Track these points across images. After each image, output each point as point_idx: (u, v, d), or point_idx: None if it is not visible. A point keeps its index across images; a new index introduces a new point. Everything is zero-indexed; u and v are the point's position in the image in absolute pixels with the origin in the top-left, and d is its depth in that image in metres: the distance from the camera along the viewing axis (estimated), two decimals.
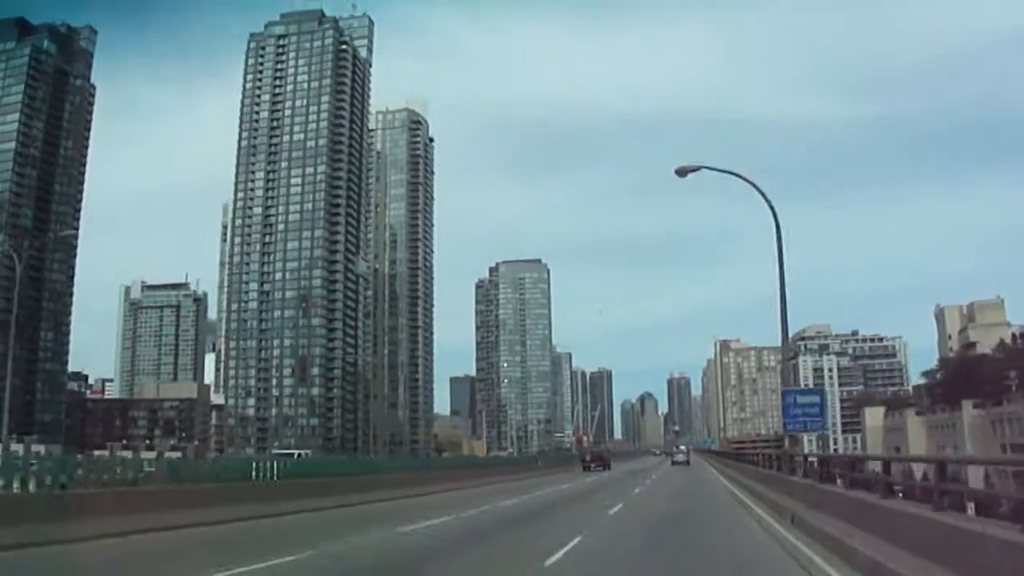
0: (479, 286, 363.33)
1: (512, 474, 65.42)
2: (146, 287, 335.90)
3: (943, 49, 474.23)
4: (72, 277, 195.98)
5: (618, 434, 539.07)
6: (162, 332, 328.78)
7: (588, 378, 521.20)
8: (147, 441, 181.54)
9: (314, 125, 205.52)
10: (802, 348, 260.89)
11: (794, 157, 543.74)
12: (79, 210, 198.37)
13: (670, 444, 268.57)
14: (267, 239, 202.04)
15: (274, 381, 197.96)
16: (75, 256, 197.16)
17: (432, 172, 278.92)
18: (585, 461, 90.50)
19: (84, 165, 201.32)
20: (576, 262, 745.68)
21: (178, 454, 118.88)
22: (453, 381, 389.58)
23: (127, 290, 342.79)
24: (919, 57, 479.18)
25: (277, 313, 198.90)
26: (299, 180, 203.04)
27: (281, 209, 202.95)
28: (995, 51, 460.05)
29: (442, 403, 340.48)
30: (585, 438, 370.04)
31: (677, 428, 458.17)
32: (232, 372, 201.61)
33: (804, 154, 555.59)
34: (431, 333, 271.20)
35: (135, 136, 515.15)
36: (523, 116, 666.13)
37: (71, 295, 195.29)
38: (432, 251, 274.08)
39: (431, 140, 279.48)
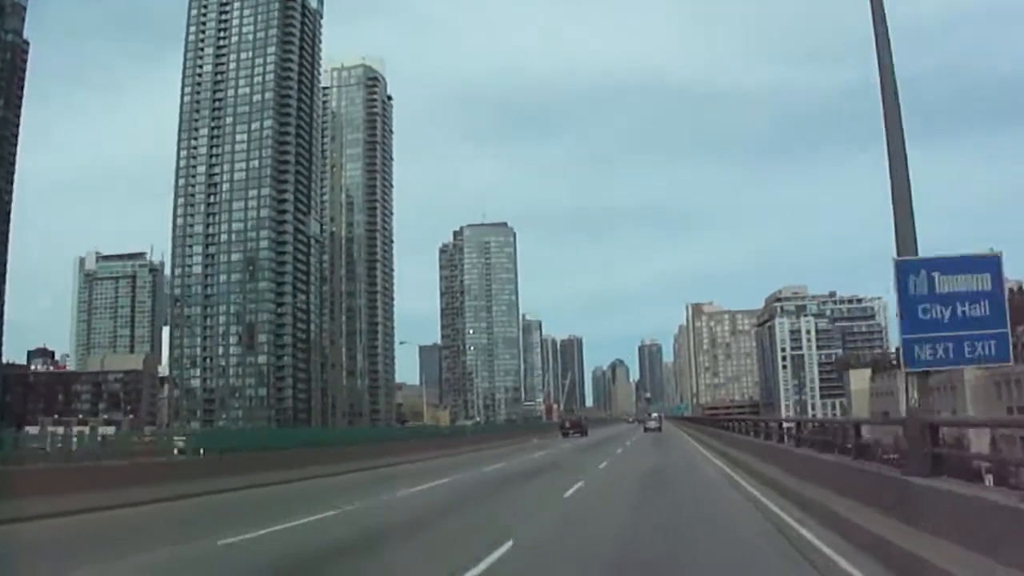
0: (443, 251, 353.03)
1: (485, 443, 65.52)
2: (100, 257, 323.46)
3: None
4: (5, 245, 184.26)
5: (589, 402, 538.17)
6: (118, 304, 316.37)
7: (559, 346, 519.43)
8: (79, 416, 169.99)
9: (260, 78, 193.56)
10: (778, 310, 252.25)
11: (767, 124, 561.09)
12: (12, 173, 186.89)
13: (642, 411, 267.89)
14: (211, 199, 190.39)
15: (220, 350, 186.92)
16: (8, 223, 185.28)
17: (391, 132, 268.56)
18: (564, 428, 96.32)
19: (17, 126, 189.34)
20: (545, 231, 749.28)
21: (112, 429, 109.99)
22: (423, 350, 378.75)
23: (81, 261, 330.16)
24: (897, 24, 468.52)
25: (223, 278, 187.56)
26: (244, 137, 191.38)
27: (226, 168, 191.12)
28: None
29: (411, 373, 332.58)
30: (555, 406, 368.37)
31: (649, 395, 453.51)
32: (177, 342, 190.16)
33: (778, 121, 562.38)
34: (391, 299, 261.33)
35: (81, 99, 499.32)
36: (491, 85, 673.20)
37: (3, 264, 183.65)
38: (391, 214, 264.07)
39: (389, 98, 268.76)
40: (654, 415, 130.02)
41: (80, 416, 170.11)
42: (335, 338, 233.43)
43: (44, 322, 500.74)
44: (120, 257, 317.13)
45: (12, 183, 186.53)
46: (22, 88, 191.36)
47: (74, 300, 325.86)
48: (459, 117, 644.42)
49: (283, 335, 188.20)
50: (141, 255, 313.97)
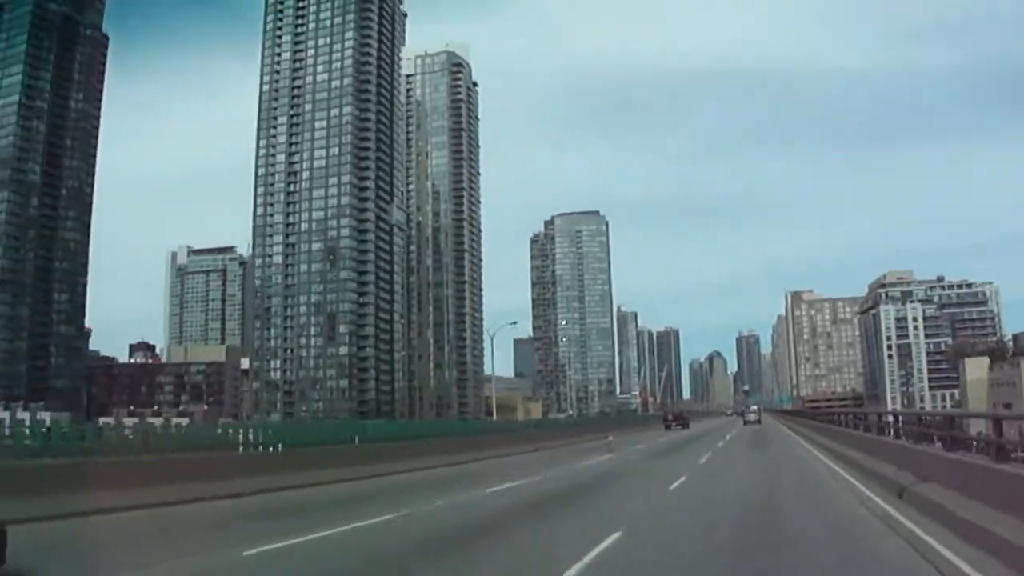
0: (534, 241, 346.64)
1: (581, 436, 65.08)
2: (192, 252, 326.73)
3: None
4: (87, 236, 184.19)
5: (686, 394, 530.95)
6: (209, 297, 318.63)
7: (655, 338, 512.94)
8: (155, 408, 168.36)
9: (339, 64, 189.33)
10: (883, 296, 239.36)
11: (874, 107, 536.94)
12: (94, 166, 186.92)
13: (740, 404, 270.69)
14: (291, 188, 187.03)
15: (301, 341, 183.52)
16: (90, 214, 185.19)
17: (476, 119, 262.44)
18: (667, 420, 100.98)
19: (98, 119, 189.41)
20: (640, 222, 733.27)
21: (186, 421, 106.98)
22: (517, 343, 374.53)
23: (173, 256, 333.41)
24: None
25: (304, 268, 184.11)
26: (324, 124, 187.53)
27: (306, 156, 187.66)
28: None
29: (506, 366, 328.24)
30: (651, 399, 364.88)
31: (747, 388, 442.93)
32: (258, 333, 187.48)
33: (883, 104, 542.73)
34: (479, 290, 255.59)
35: (164, 92, 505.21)
36: (587, 74, 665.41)
37: (86, 254, 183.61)
38: (479, 203, 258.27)
39: (474, 85, 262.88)
40: (753, 408, 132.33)
41: (156, 407, 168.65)
42: (422, 329, 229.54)
43: (142, 317, 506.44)
44: (210, 251, 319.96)
45: (93, 176, 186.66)
46: (102, 83, 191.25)
47: (167, 294, 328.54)
48: (553, 107, 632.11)
49: (365, 326, 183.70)
50: (231, 248, 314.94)
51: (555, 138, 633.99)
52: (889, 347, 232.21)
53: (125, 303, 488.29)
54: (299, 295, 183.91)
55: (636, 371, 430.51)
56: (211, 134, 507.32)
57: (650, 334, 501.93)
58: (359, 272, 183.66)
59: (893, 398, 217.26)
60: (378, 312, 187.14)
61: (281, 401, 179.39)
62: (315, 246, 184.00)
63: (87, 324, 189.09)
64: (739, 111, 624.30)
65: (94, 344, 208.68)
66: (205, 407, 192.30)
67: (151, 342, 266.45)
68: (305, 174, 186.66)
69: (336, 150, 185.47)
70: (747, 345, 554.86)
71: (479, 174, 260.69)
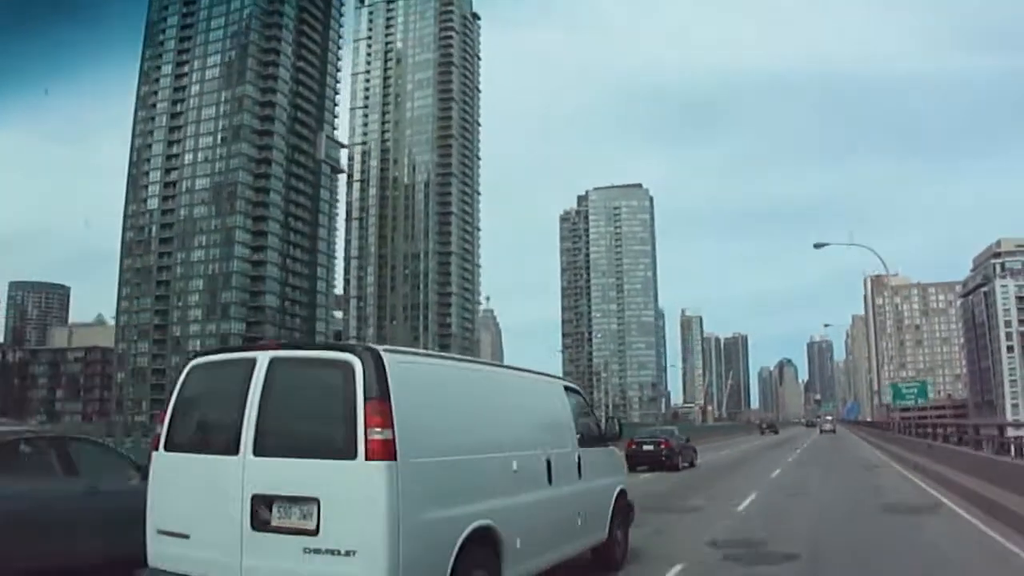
0: (564, 219, 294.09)
1: None
2: None
3: None
4: None
5: (755, 403, 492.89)
6: None
7: (722, 344, 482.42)
8: None
9: None
10: (995, 269, 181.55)
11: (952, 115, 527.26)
12: None
13: (811, 413, 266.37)
14: (178, 107, 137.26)
15: (175, 316, 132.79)
16: None
17: (476, 57, 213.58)
18: (762, 428, 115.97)
19: None
20: (707, 228, 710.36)
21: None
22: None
23: None
24: None
25: (184, 213, 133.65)
26: (221, 22, 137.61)
27: (197, 65, 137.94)
28: None
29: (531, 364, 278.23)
30: (710, 408, 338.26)
31: (819, 397, 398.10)
32: (125, 304, 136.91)
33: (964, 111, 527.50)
34: (475, 265, 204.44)
35: None
36: (657, 78, 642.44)
37: None
38: (477, 158, 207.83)
39: (476, 17, 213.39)
40: (828, 417, 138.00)
41: None
42: (395, 312, 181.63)
43: None
44: None
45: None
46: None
47: None
48: (618, 113, 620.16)
49: (262, 294, 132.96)
50: None
51: (627, 145, 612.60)
52: (1009, 336, 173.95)
53: None
54: (178, 252, 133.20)
55: (701, 378, 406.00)
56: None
57: (717, 340, 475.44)
58: (254, 219, 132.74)
59: (1015, 404, 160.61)
60: (287, 279, 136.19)
61: (150, 398, 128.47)
62: (200, 182, 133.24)
63: None
64: (811, 118, 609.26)
65: None
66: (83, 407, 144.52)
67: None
68: (195, 88, 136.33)
69: (234, 53, 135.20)
70: (819, 351, 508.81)
71: (479, 123, 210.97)
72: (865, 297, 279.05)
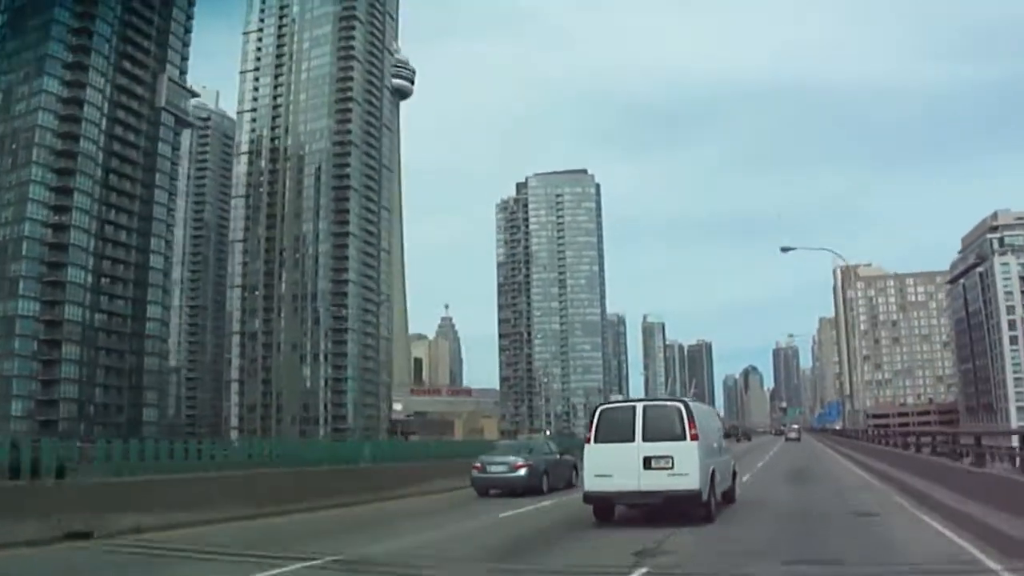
0: (502, 208, 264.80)
1: None
2: None
3: None
4: None
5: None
6: None
7: (685, 352, 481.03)
8: None
9: None
10: (993, 244, 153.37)
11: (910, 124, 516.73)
12: None
13: (777, 422, 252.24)
14: None
15: None
16: None
17: (391, 16, 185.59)
18: (738, 436, 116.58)
19: None
20: (671, 236, 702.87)
21: None
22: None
23: None
24: None
25: None
26: None
27: None
28: None
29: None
30: None
31: (784, 405, 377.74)
32: None
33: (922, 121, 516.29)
34: (382, 250, 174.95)
35: None
36: (620, 86, 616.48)
37: None
38: (382, 127, 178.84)
39: None
40: (795, 426, 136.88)
41: None
42: (282, 302, 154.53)
43: None
44: None
45: None
46: None
47: None
48: (584, 119, 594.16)
49: (63, 266, 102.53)
50: None
51: (592, 151, 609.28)
52: (1012, 324, 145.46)
53: None
54: None
55: (663, 386, 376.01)
56: None
57: (680, 348, 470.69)
58: (57, 171, 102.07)
59: (1021, 407, 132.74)
60: (102, 250, 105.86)
61: None
62: None
63: None
64: (775, 128, 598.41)
65: None
66: None
67: None
68: None
69: None
70: (785, 359, 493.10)
71: (392, 89, 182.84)
72: (835, 289, 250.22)
